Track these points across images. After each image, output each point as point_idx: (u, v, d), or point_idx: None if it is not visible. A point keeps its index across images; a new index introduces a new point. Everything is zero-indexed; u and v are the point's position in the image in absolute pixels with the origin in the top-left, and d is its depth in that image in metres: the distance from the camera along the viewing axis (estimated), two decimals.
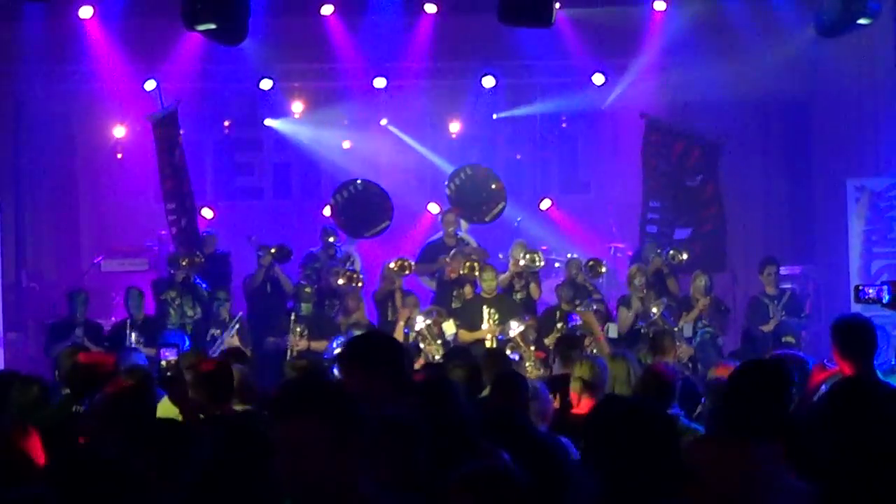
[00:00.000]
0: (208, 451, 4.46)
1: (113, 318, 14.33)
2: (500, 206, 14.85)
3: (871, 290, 6.83)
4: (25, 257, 15.44)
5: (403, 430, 4.26)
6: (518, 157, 16.66)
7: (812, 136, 15.94)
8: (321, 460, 3.31)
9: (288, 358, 12.42)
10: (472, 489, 3.58)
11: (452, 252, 13.85)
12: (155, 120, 14.42)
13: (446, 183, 14.94)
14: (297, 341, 12.75)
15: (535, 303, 13.70)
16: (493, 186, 14.88)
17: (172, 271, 13.46)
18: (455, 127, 16.27)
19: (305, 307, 13.05)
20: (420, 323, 12.55)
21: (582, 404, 7.26)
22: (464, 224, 14.71)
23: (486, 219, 14.88)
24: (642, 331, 12.78)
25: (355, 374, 4.55)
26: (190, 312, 13.18)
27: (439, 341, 12.43)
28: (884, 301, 6.61)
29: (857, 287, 7.03)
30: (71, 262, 15.72)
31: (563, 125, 16.46)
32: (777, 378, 4.99)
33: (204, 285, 13.47)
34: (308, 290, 13.26)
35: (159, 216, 14.72)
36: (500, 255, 14.13)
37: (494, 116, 15.99)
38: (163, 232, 14.81)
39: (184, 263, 13.32)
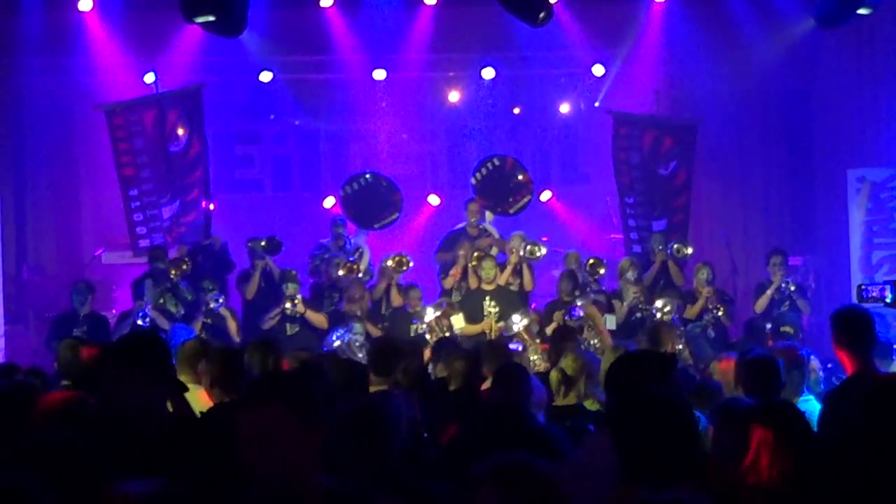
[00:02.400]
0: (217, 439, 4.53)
1: (114, 311, 14.32)
2: (526, 199, 14.72)
3: (874, 290, 6.88)
4: (26, 250, 15.45)
5: (380, 418, 4.36)
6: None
7: (812, 127, 15.91)
8: (285, 450, 3.47)
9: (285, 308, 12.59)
10: (502, 483, 3.50)
11: (460, 252, 13.81)
12: (108, 109, 14.37)
13: (472, 173, 14.86)
14: (293, 299, 12.77)
15: (529, 294, 13.69)
16: (520, 177, 14.80)
17: (157, 271, 13.32)
18: (454, 118, 16.26)
19: (292, 287, 13.06)
20: (429, 315, 12.54)
21: (567, 397, 7.27)
22: (489, 215, 14.67)
23: (511, 211, 14.74)
24: (638, 316, 12.85)
25: (124, 372, 4.60)
26: (173, 310, 13.11)
27: (447, 334, 12.41)
28: (886, 300, 6.65)
29: (859, 286, 7.07)
30: (72, 254, 15.72)
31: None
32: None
33: (186, 286, 13.38)
34: (294, 273, 13.28)
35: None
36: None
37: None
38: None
39: (174, 273, 13.19)
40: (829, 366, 8.97)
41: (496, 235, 14.39)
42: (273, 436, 3.47)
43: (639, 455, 3.80)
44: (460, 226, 14.59)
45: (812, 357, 7.40)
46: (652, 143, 15.07)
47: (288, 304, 12.83)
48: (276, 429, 3.47)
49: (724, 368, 7.75)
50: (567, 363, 7.34)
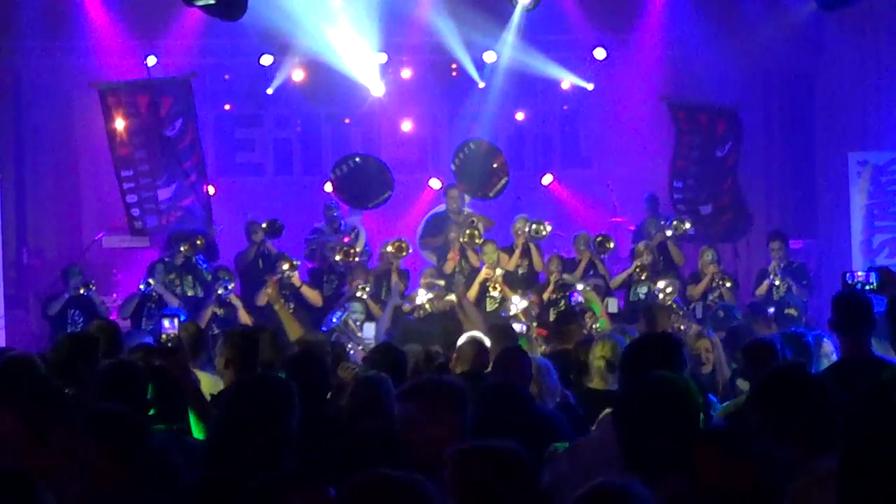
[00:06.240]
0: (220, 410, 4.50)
1: (115, 295, 14.32)
2: (503, 182, 14.76)
3: (859, 275, 6.90)
4: (26, 234, 15.43)
5: (459, 394, 4.40)
6: (519, 116, 16.51)
7: (814, 110, 15.89)
8: (16, 456, 3.26)
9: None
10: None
11: (451, 236, 13.77)
12: (102, 88, 14.40)
13: (451, 159, 14.83)
14: (286, 270, 12.69)
15: (538, 275, 13.69)
16: (495, 165, 14.80)
17: (170, 253, 13.40)
18: (456, 102, 16.20)
19: (288, 266, 13.03)
20: (422, 297, 12.45)
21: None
22: (465, 198, 14.65)
23: (490, 194, 14.78)
24: (640, 297, 12.91)
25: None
26: (190, 293, 13.14)
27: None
28: (868, 287, 6.66)
29: (844, 273, 7.09)
30: (72, 238, 15.70)
31: (565, 108, 16.50)
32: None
33: (205, 266, 13.45)
34: (287, 256, 13.27)
35: None
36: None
37: (481, 85, 15.74)
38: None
39: (184, 249, 13.25)
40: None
41: (475, 216, 14.30)
42: (2, 440, 3.29)
43: (638, 442, 3.73)
44: (441, 208, 14.57)
45: (825, 340, 7.38)
46: (708, 125, 15.13)
47: (286, 269, 12.74)
48: (3, 432, 3.30)
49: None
50: (606, 350, 7.34)
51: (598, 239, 13.76)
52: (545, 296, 12.80)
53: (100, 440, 3.59)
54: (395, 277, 13.27)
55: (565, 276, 13.03)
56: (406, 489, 3.03)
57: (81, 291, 12.76)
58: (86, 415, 3.66)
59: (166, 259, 13.36)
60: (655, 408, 3.76)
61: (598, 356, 7.31)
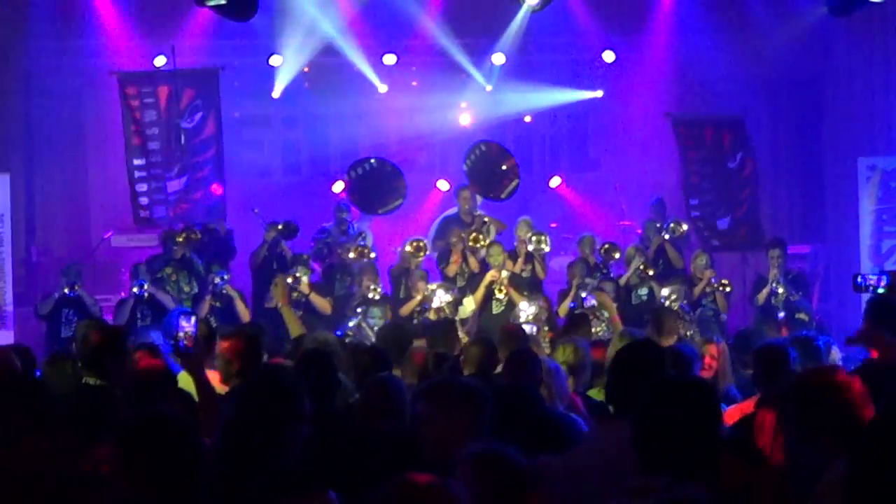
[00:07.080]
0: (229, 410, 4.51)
1: (122, 294, 14.34)
2: (514, 183, 14.70)
3: (871, 278, 6.90)
4: (35, 232, 15.45)
5: (475, 395, 4.44)
6: (527, 119, 16.54)
7: (823, 115, 15.89)
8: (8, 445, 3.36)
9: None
10: (477, 468, 3.58)
11: (453, 240, 13.72)
12: (122, 76, 14.45)
13: (463, 160, 14.83)
14: (298, 277, 12.54)
15: (541, 283, 13.68)
16: (504, 167, 14.79)
17: (170, 247, 13.40)
18: (464, 104, 16.21)
19: (303, 271, 13.00)
20: (440, 299, 12.45)
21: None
22: (478, 199, 14.63)
23: (502, 195, 14.73)
24: (643, 300, 12.91)
25: None
26: (186, 288, 13.11)
27: (458, 318, 12.35)
28: (880, 290, 6.66)
29: (855, 275, 7.08)
30: (80, 237, 15.73)
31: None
32: None
33: (200, 261, 13.43)
34: (306, 257, 13.25)
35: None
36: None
37: (488, 88, 15.79)
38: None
39: (180, 240, 13.25)
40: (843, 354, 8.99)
41: (487, 218, 14.31)
42: None
43: (659, 444, 3.73)
44: (452, 211, 14.56)
45: (834, 347, 7.38)
46: (712, 139, 15.13)
47: (302, 280, 12.64)
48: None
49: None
50: (567, 355, 7.32)
51: (605, 247, 13.72)
52: (568, 300, 12.72)
53: (145, 444, 3.60)
54: (414, 275, 13.21)
55: (587, 279, 12.99)
56: (439, 494, 3.06)
57: (66, 291, 12.76)
58: (132, 417, 3.68)
59: (161, 256, 13.39)
60: (678, 412, 3.75)
61: (560, 361, 7.31)
